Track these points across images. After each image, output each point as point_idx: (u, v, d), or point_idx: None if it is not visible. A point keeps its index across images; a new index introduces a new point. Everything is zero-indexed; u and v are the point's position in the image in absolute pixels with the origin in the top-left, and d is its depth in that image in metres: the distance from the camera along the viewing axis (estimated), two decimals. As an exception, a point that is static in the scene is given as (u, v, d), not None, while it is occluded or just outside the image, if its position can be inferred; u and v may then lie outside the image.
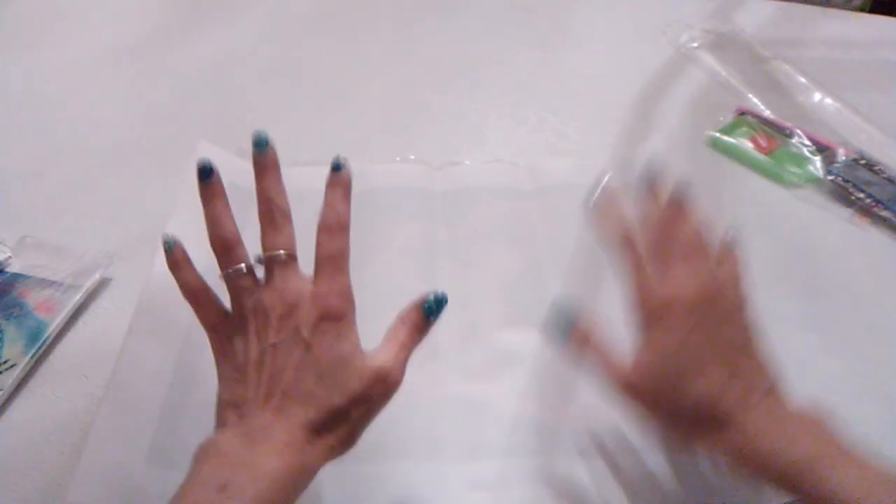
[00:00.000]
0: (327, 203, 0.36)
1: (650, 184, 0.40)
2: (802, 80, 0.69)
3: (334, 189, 0.36)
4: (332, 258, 0.35)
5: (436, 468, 0.40)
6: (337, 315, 0.34)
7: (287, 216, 0.37)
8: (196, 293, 0.36)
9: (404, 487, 0.39)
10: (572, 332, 0.37)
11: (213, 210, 0.36)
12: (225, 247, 0.36)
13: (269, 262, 0.35)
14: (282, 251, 0.35)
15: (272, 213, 0.36)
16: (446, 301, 0.36)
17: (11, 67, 0.77)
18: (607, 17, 0.82)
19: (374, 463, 0.40)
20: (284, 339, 0.33)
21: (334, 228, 0.36)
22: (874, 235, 0.54)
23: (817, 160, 0.60)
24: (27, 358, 0.45)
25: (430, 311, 0.36)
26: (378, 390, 0.33)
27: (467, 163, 0.60)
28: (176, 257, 0.37)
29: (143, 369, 0.43)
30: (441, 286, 0.50)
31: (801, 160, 0.60)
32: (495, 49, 0.77)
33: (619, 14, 0.82)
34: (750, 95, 0.68)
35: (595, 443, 0.41)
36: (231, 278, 0.35)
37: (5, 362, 0.45)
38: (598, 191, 0.41)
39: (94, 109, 0.70)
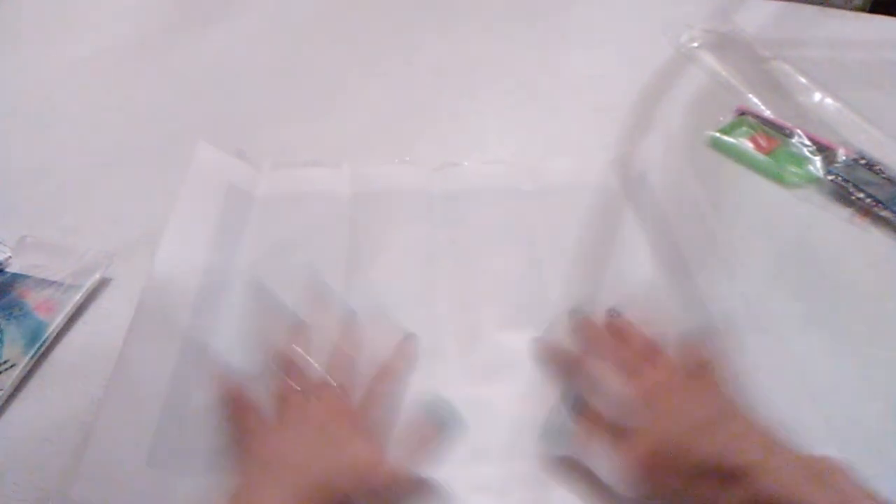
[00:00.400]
0: (395, 369, 0.44)
1: (584, 322, 0.46)
2: (802, 80, 0.69)
3: (406, 365, 0.45)
4: (382, 395, 0.42)
5: (438, 471, 0.40)
6: (367, 432, 0.40)
7: (355, 366, 0.43)
8: (245, 413, 0.40)
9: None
10: (580, 418, 0.40)
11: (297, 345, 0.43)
12: (289, 368, 0.42)
13: (325, 386, 0.41)
14: (337, 386, 0.41)
15: (345, 362, 0.43)
16: (460, 422, 0.41)
17: (11, 67, 0.77)
18: (607, 17, 0.82)
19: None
20: (315, 435, 0.38)
21: (393, 376, 0.44)
22: (874, 235, 0.54)
23: (817, 160, 0.59)
24: (27, 358, 0.45)
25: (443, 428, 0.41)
26: (392, 488, 0.38)
27: (466, 164, 0.60)
28: (231, 390, 0.42)
29: (143, 369, 0.43)
30: (441, 288, 0.50)
31: (801, 160, 0.60)
32: (495, 49, 0.77)
33: (619, 14, 0.82)
34: (750, 95, 0.68)
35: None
36: (283, 389, 0.41)
37: (5, 362, 0.45)
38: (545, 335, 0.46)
39: (94, 109, 0.70)
